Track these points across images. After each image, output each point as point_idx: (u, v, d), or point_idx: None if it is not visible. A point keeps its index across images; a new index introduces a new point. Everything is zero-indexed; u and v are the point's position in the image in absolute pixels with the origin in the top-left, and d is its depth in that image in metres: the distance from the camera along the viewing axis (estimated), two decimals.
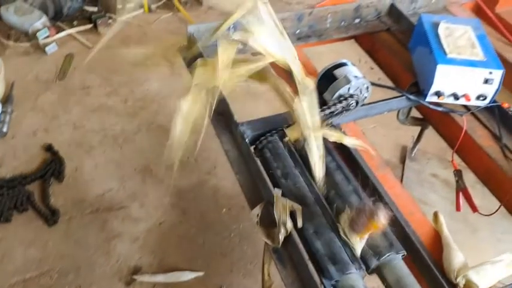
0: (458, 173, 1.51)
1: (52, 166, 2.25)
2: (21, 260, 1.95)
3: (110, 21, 3.23)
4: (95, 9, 3.34)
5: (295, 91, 1.15)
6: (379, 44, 1.74)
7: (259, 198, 1.15)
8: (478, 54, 1.39)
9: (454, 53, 1.37)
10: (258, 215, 1.10)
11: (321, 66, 1.43)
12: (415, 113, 1.75)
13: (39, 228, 2.05)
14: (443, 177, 2.38)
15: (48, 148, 2.35)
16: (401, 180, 2.36)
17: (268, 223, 1.08)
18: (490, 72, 1.34)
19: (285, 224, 1.04)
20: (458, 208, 1.52)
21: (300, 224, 1.04)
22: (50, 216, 2.07)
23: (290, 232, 1.04)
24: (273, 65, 1.20)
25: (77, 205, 2.15)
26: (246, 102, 2.72)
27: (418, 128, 2.16)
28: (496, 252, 2.13)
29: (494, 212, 1.30)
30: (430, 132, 1.65)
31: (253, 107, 2.63)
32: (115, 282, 1.91)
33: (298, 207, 1.05)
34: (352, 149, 1.29)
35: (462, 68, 1.34)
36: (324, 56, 2.19)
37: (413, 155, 2.46)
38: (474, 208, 1.43)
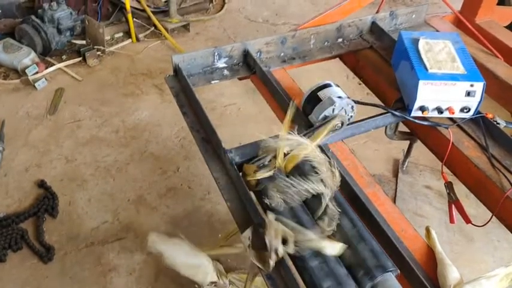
0: (449, 185, 1.51)
1: (45, 202, 2.24)
2: None
3: (99, 53, 3.26)
4: (83, 42, 3.38)
5: None
6: (363, 61, 1.76)
7: (249, 223, 1.14)
8: (459, 68, 1.41)
9: (435, 68, 1.39)
10: (249, 237, 1.10)
11: (309, 85, 1.44)
12: (402, 127, 1.76)
13: (35, 266, 2.03)
14: (436, 189, 2.38)
15: (41, 184, 2.34)
16: (395, 194, 2.36)
17: (259, 246, 1.08)
18: (472, 85, 1.36)
19: (276, 250, 1.03)
20: (452, 220, 1.52)
21: (290, 250, 1.03)
22: (45, 253, 2.05)
23: (282, 257, 1.04)
24: None
25: (71, 240, 2.13)
26: (235, 125, 2.73)
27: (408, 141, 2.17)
28: (494, 261, 2.12)
29: (487, 223, 1.30)
30: (420, 145, 1.66)
31: (242, 130, 2.64)
32: None
33: (290, 234, 1.05)
34: (342, 168, 1.29)
35: (444, 83, 1.36)
36: (312, 74, 2.21)
37: (405, 168, 2.47)
38: (467, 219, 1.43)
